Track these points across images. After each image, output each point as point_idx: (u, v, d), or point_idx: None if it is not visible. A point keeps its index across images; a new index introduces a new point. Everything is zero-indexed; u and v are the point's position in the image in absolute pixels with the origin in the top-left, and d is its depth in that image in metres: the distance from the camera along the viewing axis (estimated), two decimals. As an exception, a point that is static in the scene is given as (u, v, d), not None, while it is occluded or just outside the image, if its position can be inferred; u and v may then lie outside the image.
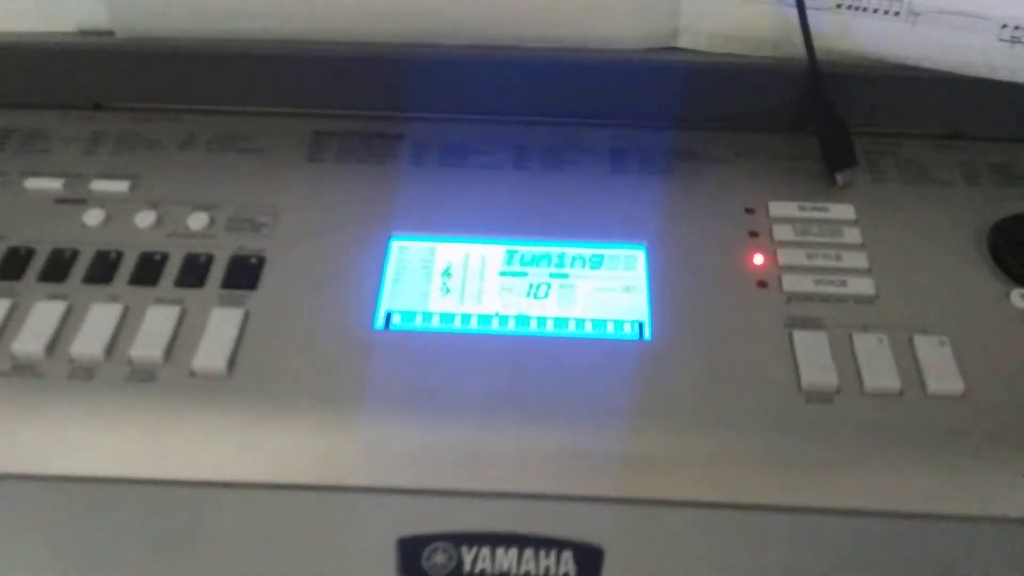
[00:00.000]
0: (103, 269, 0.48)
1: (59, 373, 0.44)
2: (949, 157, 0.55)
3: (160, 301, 0.47)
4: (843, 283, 0.48)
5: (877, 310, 0.47)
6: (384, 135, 0.55)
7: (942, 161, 0.55)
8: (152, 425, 0.43)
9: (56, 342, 0.45)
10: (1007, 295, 0.48)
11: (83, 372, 0.44)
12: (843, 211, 0.51)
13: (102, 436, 0.43)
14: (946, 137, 0.56)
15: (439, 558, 0.40)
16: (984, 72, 0.52)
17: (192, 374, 0.44)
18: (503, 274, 0.49)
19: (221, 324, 0.46)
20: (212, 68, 0.55)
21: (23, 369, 0.44)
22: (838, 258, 0.49)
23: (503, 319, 0.47)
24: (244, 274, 0.48)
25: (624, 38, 0.54)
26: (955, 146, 0.56)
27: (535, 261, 0.50)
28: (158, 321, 0.46)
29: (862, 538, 0.41)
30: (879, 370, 0.45)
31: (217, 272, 0.48)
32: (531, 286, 0.49)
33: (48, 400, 0.43)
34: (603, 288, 0.49)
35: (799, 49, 0.53)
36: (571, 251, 0.50)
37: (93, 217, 0.50)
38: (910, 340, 0.46)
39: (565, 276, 0.49)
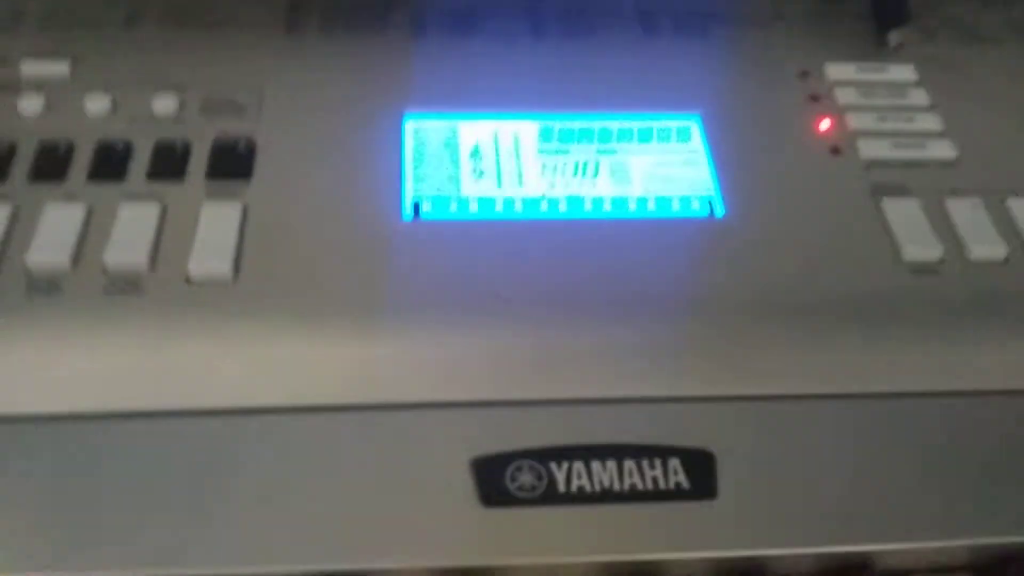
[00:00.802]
0: (52, 164, 0.38)
1: (13, 288, 0.35)
2: (996, 16, 0.50)
3: (132, 197, 0.37)
4: (922, 146, 0.43)
5: (961, 173, 0.42)
6: (372, 1, 0.46)
7: (990, 20, 0.50)
8: (144, 344, 0.34)
9: (4, 253, 0.35)
10: (1089, 152, 0.44)
11: (45, 285, 0.35)
12: (903, 72, 0.46)
13: (81, 361, 0.34)
14: (986, -4, 0.52)
15: (526, 478, 0.33)
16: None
17: (188, 281, 0.35)
18: (542, 152, 0.42)
19: (216, 220, 0.37)
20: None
21: (-36, 288, 0.35)
22: (910, 120, 0.44)
23: (552, 201, 0.40)
24: (233, 162, 0.39)
25: None
26: (1000, 4, 0.51)
27: (576, 137, 0.42)
28: (134, 220, 0.36)
29: (992, 420, 0.36)
30: (982, 235, 0.40)
31: (199, 162, 0.39)
32: (577, 164, 0.41)
33: (3, 323, 0.34)
34: (660, 163, 0.42)
35: None
36: (615, 124, 0.43)
37: (30, 104, 0.40)
38: (1003, 203, 0.41)
39: (613, 152, 0.42)
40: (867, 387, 0.36)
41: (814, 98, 0.45)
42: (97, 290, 0.35)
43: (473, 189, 0.40)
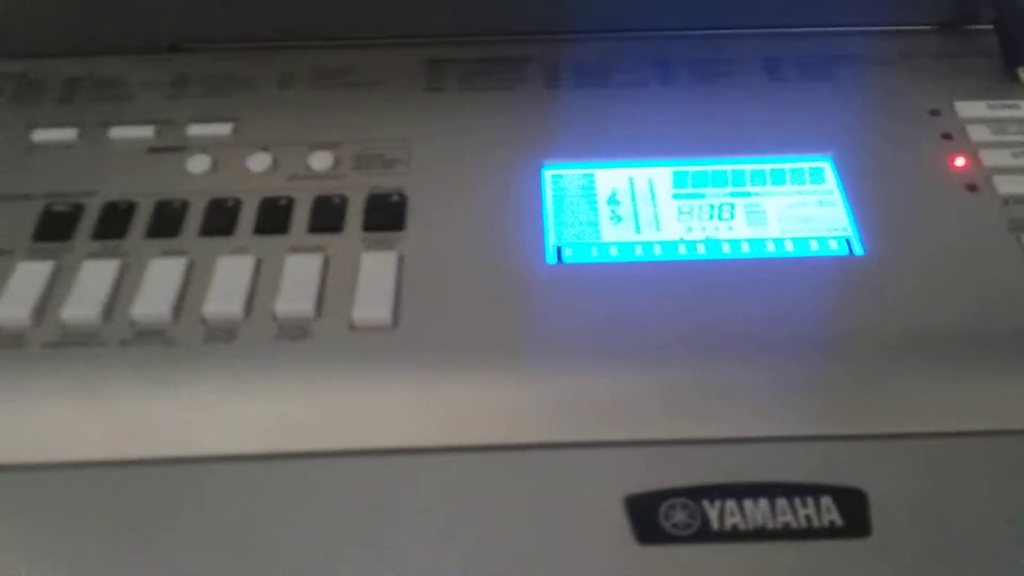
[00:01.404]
0: (221, 219, 0.41)
1: (192, 337, 0.37)
2: None
3: (296, 249, 0.40)
4: (1059, 181, 0.43)
5: (1100, 208, 0.42)
6: (507, 59, 0.49)
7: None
8: (312, 388, 0.36)
9: (182, 303, 0.38)
10: None
11: (221, 334, 0.37)
12: (1036, 108, 0.46)
13: (254, 405, 0.36)
14: (1118, 27, 0.51)
15: (679, 516, 0.34)
16: None
17: (352, 327, 0.38)
18: (677, 197, 0.43)
19: (375, 269, 0.39)
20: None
21: (148, 336, 0.37)
22: (1046, 156, 0.44)
23: (690, 244, 0.41)
24: (387, 214, 0.41)
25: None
26: None
27: (710, 181, 0.43)
28: (300, 271, 0.39)
29: None
30: None
31: (355, 214, 0.41)
32: (713, 207, 0.42)
33: (185, 369, 0.37)
34: (795, 204, 0.43)
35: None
36: (748, 167, 0.44)
37: (198, 164, 0.43)
38: None
39: (748, 195, 0.43)
40: (1017, 424, 0.36)
41: (946, 136, 0.45)
42: (269, 337, 0.37)
43: (612, 234, 0.41)
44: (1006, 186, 0.43)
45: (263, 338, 0.37)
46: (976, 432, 0.36)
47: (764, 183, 0.43)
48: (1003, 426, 0.36)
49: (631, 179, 0.44)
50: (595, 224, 0.42)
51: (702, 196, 0.43)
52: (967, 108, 0.46)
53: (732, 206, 0.43)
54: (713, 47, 0.49)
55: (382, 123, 0.45)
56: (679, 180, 0.44)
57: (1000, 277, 0.39)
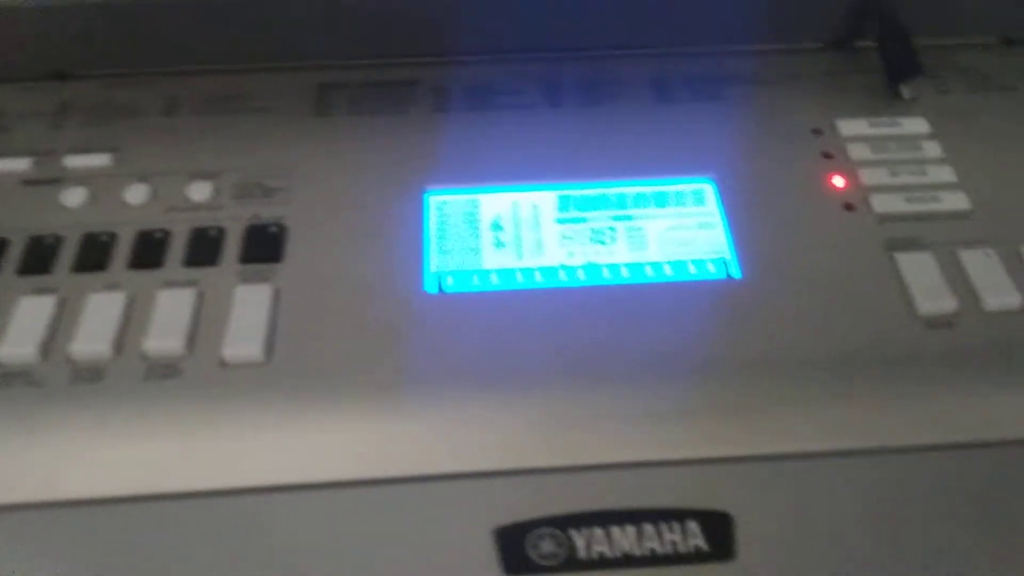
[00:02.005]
0: (95, 254, 0.41)
1: (59, 378, 0.37)
2: (1008, 63, 0.51)
3: (170, 284, 0.39)
4: (935, 199, 0.43)
5: (975, 224, 0.43)
6: (396, 82, 0.49)
7: (1002, 67, 0.51)
8: (184, 427, 0.36)
9: (51, 343, 0.38)
10: (1105, 197, 0.44)
11: (89, 374, 0.37)
12: (916, 124, 0.47)
13: (122, 446, 0.36)
14: (1001, 43, 0.52)
15: (547, 546, 0.34)
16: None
17: (223, 364, 0.37)
18: (560, 221, 0.43)
19: (248, 303, 0.39)
20: (187, 21, 0.47)
21: (13, 377, 0.37)
22: (924, 174, 0.45)
23: (570, 270, 0.41)
24: (265, 245, 0.41)
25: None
26: (1012, 52, 0.52)
27: (593, 204, 0.44)
28: (172, 307, 0.38)
29: (1014, 470, 0.36)
30: (996, 286, 0.40)
31: (232, 246, 0.41)
32: (594, 231, 0.43)
33: (49, 410, 0.36)
34: (675, 227, 0.43)
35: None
36: (631, 190, 0.44)
37: (73, 197, 0.43)
38: (1016, 251, 0.42)
39: (630, 218, 0.43)
40: (883, 442, 0.37)
41: (827, 155, 0.45)
42: (138, 376, 0.37)
43: (494, 261, 0.42)
44: (882, 205, 0.43)
45: (132, 378, 0.37)
46: (837, 452, 0.36)
47: (647, 206, 0.44)
48: (862, 445, 0.36)
49: (515, 204, 0.44)
50: (477, 251, 0.42)
51: (585, 220, 0.43)
52: (848, 126, 0.47)
53: (614, 230, 0.43)
54: (603, 68, 0.50)
55: (266, 150, 0.45)
56: (563, 204, 0.44)
57: (872, 297, 0.40)
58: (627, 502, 0.35)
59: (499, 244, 0.42)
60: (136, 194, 0.43)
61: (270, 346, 0.38)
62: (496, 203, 0.44)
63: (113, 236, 0.41)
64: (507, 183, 0.44)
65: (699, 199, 0.44)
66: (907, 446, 0.36)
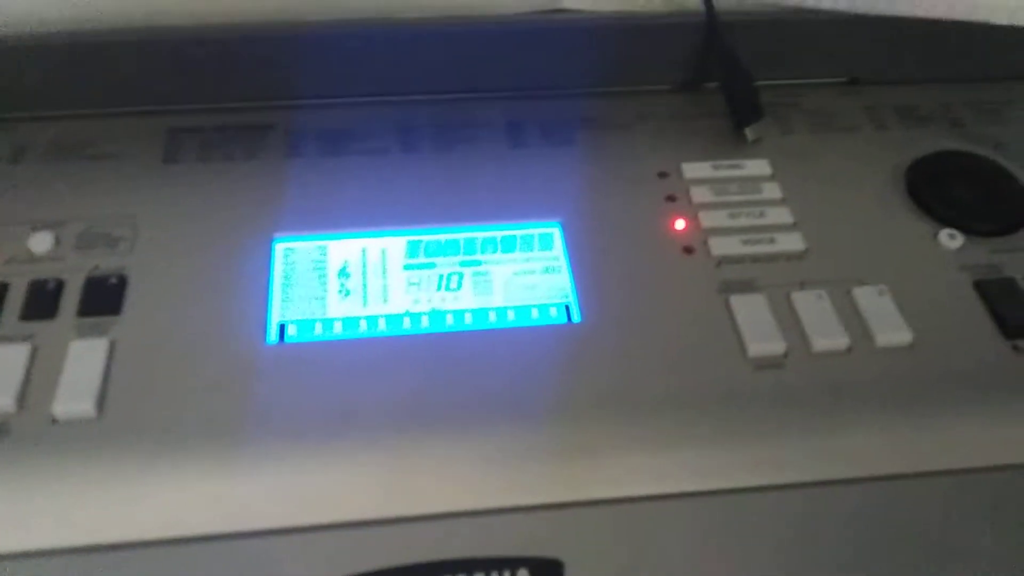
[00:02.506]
0: (-73, 310, 0.40)
1: None
2: (853, 103, 0.53)
3: (3, 339, 0.39)
4: (771, 240, 0.45)
5: (810, 265, 0.45)
6: (249, 127, 0.49)
7: (847, 107, 0.53)
8: (10, 486, 0.35)
9: None
10: (934, 235, 0.46)
11: (-87, 434, 0.36)
12: (758, 167, 0.48)
13: (-54, 509, 0.35)
14: (846, 84, 0.54)
15: (377, 599, 0.35)
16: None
17: (53, 421, 0.37)
18: (408, 267, 0.44)
19: (82, 358, 0.38)
20: (38, 65, 0.47)
21: None
22: (762, 215, 0.46)
23: (415, 317, 0.42)
24: (103, 298, 0.41)
25: (506, 1, 0.50)
26: (856, 92, 0.54)
27: (442, 250, 0.44)
28: (4, 363, 0.38)
29: (835, 508, 0.38)
30: (825, 328, 0.42)
31: (71, 299, 0.41)
32: (441, 277, 0.43)
33: None
34: (521, 271, 0.44)
35: (691, 0, 0.49)
36: (480, 235, 0.45)
37: (-95, 250, 0.42)
38: (849, 292, 0.43)
39: (478, 263, 0.44)
40: (711, 484, 0.38)
41: (671, 198, 0.47)
42: (-36, 435, 0.36)
43: (339, 309, 0.42)
44: (719, 247, 0.45)
45: (-42, 437, 0.36)
46: (667, 495, 0.37)
47: (495, 250, 0.44)
48: (692, 488, 0.37)
49: (364, 250, 0.44)
50: (323, 299, 0.42)
51: (433, 266, 0.44)
52: (692, 169, 0.48)
53: (461, 275, 0.43)
54: (457, 111, 0.50)
55: (112, 198, 0.45)
56: (412, 250, 0.44)
57: (706, 340, 0.41)
58: (460, 552, 0.36)
59: (345, 292, 0.43)
60: (-26, 246, 0.42)
61: (102, 401, 0.37)
62: (345, 249, 0.44)
63: (-55, 290, 0.41)
64: (357, 229, 0.45)
65: (546, 244, 0.45)
66: (731, 488, 0.38)
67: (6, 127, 0.48)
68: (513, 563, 0.36)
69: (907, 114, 0.53)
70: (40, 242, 0.42)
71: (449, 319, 0.42)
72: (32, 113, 0.48)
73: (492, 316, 0.42)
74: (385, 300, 0.42)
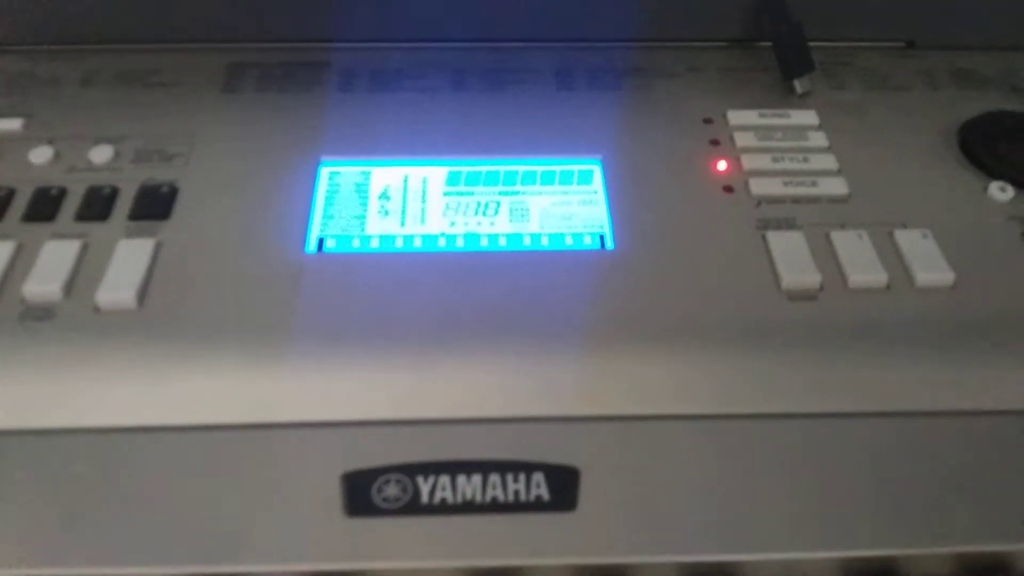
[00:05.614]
0: (-10, 208, 0.42)
1: (-60, 316, 0.38)
2: (907, 65, 0.53)
3: (58, 236, 0.41)
4: (814, 184, 0.45)
5: (852, 209, 0.44)
6: (307, 64, 0.50)
7: (901, 69, 0.52)
8: (51, 366, 0.37)
9: (-64, 284, 0.39)
10: (984, 188, 0.45)
11: (-34, 314, 0.38)
12: (805, 116, 0.48)
13: (-9, 383, 0.37)
14: (902, 47, 0.54)
15: (391, 490, 0.35)
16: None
17: (96, 310, 0.38)
18: (448, 194, 0.44)
19: (128, 255, 0.40)
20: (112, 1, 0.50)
21: None
22: (805, 160, 0.46)
23: (450, 237, 0.42)
24: (154, 204, 0.42)
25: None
26: (913, 55, 0.53)
27: (482, 180, 0.45)
28: (55, 255, 0.40)
29: (857, 442, 0.37)
30: (863, 264, 0.41)
31: (124, 205, 0.43)
32: (479, 204, 0.44)
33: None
34: (558, 203, 0.44)
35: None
36: (520, 168, 0.45)
37: (-21, 156, 0.44)
38: (891, 235, 0.43)
39: (516, 193, 0.45)
40: (738, 409, 0.37)
41: (714, 142, 0.47)
42: (12, 318, 0.38)
43: (377, 227, 0.43)
44: (760, 187, 0.44)
45: (7, 319, 0.38)
46: (688, 416, 0.37)
47: (534, 183, 0.45)
48: (709, 411, 0.37)
49: (406, 177, 0.45)
50: (363, 218, 0.43)
51: (471, 194, 0.44)
52: (738, 116, 0.48)
53: (498, 203, 0.44)
54: (509, 58, 0.51)
55: (171, 120, 0.47)
56: (452, 179, 0.45)
57: (740, 272, 0.41)
58: (479, 454, 0.36)
59: (384, 212, 0.44)
60: (40, 155, 0.44)
61: (144, 295, 0.39)
62: (387, 175, 0.45)
63: (11, 192, 0.43)
64: (400, 158, 0.46)
65: (586, 179, 0.45)
66: (751, 414, 0.37)
67: (77, 56, 0.50)
68: (529, 467, 0.36)
69: (963, 77, 0.52)
70: (100, 153, 0.44)
71: (484, 240, 0.42)
72: (102, 46, 0.51)
73: (526, 240, 0.42)
74: (423, 221, 0.43)
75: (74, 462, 0.36)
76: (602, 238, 0.43)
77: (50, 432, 0.36)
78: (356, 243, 0.42)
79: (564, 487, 0.35)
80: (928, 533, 0.35)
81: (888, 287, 0.41)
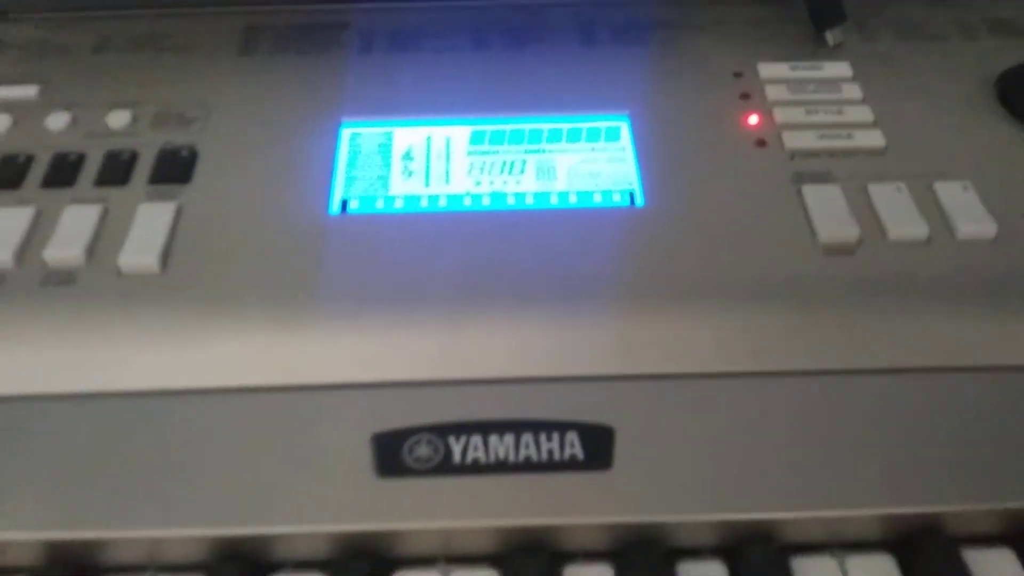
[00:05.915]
0: (9, 174, 0.41)
1: (-37, 284, 0.37)
2: (941, 14, 0.51)
3: (78, 201, 0.40)
4: (849, 136, 0.43)
5: (889, 161, 0.43)
6: (325, 25, 0.49)
7: (935, 18, 0.51)
8: (75, 331, 0.36)
9: (-45, 252, 0.38)
10: (1025, 140, 0.44)
11: (-9, 280, 0.37)
12: (838, 68, 0.47)
13: (14, 348, 0.36)
14: (937, -1, 0.52)
15: (423, 450, 0.34)
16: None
17: (119, 274, 0.38)
18: (472, 154, 0.43)
19: (150, 219, 0.39)
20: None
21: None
22: (840, 113, 0.45)
23: (476, 197, 0.41)
24: (174, 168, 0.42)
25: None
26: (946, 5, 0.52)
27: (507, 139, 0.44)
28: (76, 220, 0.39)
29: (897, 397, 0.36)
30: (902, 217, 0.40)
31: (143, 169, 0.42)
32: (505, 163, 0.43)
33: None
34: (586, 160, 0.43)
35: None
36: (545, 126, 0.44)
37: (-3, 123, 0.44)
38: (930, 187, 0.41)
39: (542, 151, 0.44)
40: (775, 366, 0.36)
41: (745, 96, 0.46)
42: (35, 283, 0.37)
43: (401, 188, 0.42)
44: (793, 141, 0.43)
45: (29, 283, 0.37)
46: (723, 374, 0.36)
47: (560, 141, 0.44)
48: (747, 368, 0.36)
49: (429, 137, 0.44)
50: (386, 179, 0.42)
51: (496, 153, 0.43)
52: (768, 69, 0.47)
53: (524, 162, 0.43)
54: (531, 15, 0.50)
55: (188, 84, 0.46)
56: (476, 138, 0.44)
57: (775, 227, 0.40)
58: (512, 414, 0.35)
59: (408, 173, 0.43)
60: (57, 121, 0.44)
61: (166, 258, 0.38)
62: (409, 136, 0.44)
63: (30, 158, 0.42)
64: (423, 117, 0.45)
65: (613, 135, 0.44)
66: (790, 371, 0.36)
67: (90, 22, 0.50)
68: (563, 426, 0.35)
69: (999, 26, 0.50)
70: (117, 118, 0.44)
71: (510, 199, 0.41)
72: (114, 12, 0.50)
73: (554, 199, 0.41)
74: (448, 181, 0.42)
75: (99, 426, 0.35)
76: (632, 195, 0.41)
77: (75, 396, 0.36)
78: (380, 204, 0.41)
79: (599, 446, 0.34)
80: (970, 490, 0.34)
81: (929, 240, 0.39)
